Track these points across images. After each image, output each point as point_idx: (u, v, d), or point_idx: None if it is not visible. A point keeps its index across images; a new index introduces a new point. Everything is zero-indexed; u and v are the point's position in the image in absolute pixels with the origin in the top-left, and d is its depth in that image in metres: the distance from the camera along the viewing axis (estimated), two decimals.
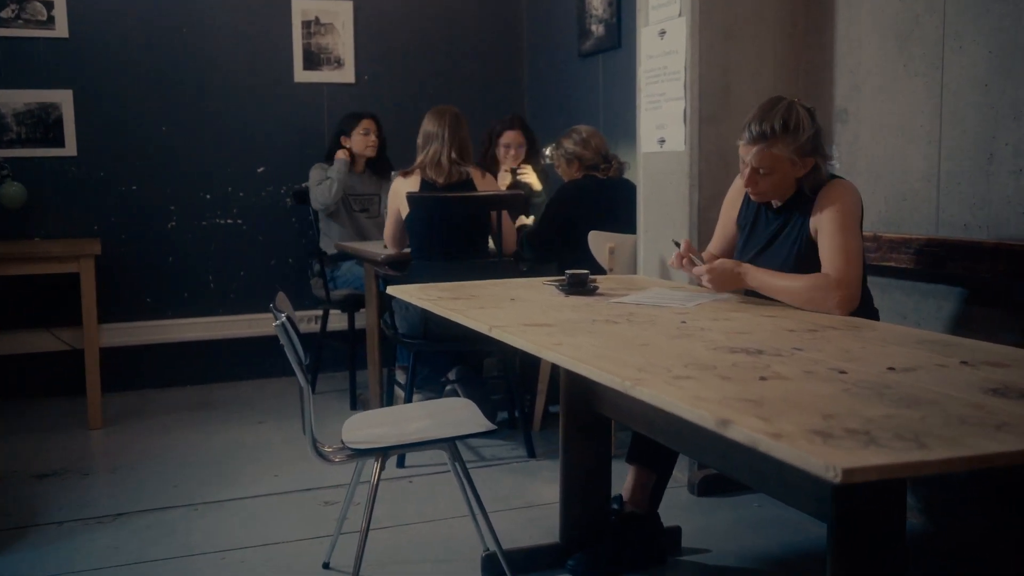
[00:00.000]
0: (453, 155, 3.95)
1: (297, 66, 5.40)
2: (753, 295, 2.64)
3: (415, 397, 4.04)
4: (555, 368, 3.92)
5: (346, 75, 5.50)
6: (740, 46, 3.42)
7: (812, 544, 3.02)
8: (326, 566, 2.85)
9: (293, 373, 2.39)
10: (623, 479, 2.93)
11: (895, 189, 3.16)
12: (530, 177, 4.76)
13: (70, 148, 5.02)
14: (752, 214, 2.74)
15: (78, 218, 5.06)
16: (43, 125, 4.96)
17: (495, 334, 2.21)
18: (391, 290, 2.98)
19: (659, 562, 2.86)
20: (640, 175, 3.74)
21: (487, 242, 4.06)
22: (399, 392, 4.43)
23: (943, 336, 2.13)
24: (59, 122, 4.98)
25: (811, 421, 1.38)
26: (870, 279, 2.80)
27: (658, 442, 2.46)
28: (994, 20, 2.78)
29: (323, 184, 4.86)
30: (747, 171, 2.54)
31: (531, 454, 3.90)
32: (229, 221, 5.35)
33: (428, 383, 4.46)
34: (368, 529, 2.54)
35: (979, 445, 1.25)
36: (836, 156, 3.35)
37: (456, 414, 2.71)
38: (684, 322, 2.28)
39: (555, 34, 5.52)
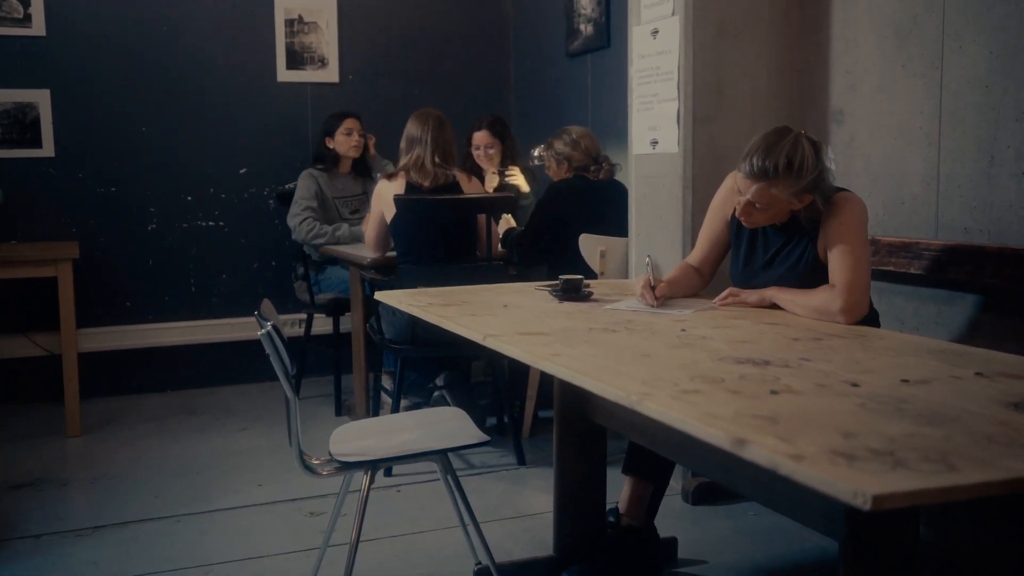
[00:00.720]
0: (437, 159, 3.89)
1: (280, 65, 5.31)
2: None
3: (402, 403, 3.96)
4: (545, 373, 3.85)
5: (330, 75, 5.41)
6: (734, 45, 3.36)
7: (810, 554, 2.96)
8: None
9: (276, 378, 2.30)
10: (617, 487, 2.87)
11: (893, 192, 3.10)
12: (518, 179, 4.70)
13: (47, 149, 4.91)
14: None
15: (56, 220, 4.95)
16: (20, 125, 4.84)
17: (489, 344, 2.14)
18: (379, 295, 2.90)
19: (656, 575, 2.79)
20: (632, 177, 3.67)
21: (475, 245, 3.98)
22: (386, 398, 4.35)
23: (953, 345, 2.07)
24: (36, 122, 4.87)
25: (831, 440, 1.31)
26: None
27: (655, 452, 2.39)
28: (996, 19, 2.73)
29: (315, 230, 4.60)
30: (743, 201, 2.47)
31: (521, 461, 3.82)
32: (211, 223, 5.25)
33: (415, 388, 4.38)
34: (357, 543, 2.45)
35: (1014, 467, 1.19)
36: (832, 159, 3.29)
37: (448, 425, 2.63)
38: (684, 330, 2.21)
39: (543, 33, 5.45)
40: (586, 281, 2.76)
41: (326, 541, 2.74)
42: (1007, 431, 1.36)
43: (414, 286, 3.49)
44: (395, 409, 3.78)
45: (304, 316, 4.95)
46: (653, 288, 2.56)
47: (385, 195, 3.87)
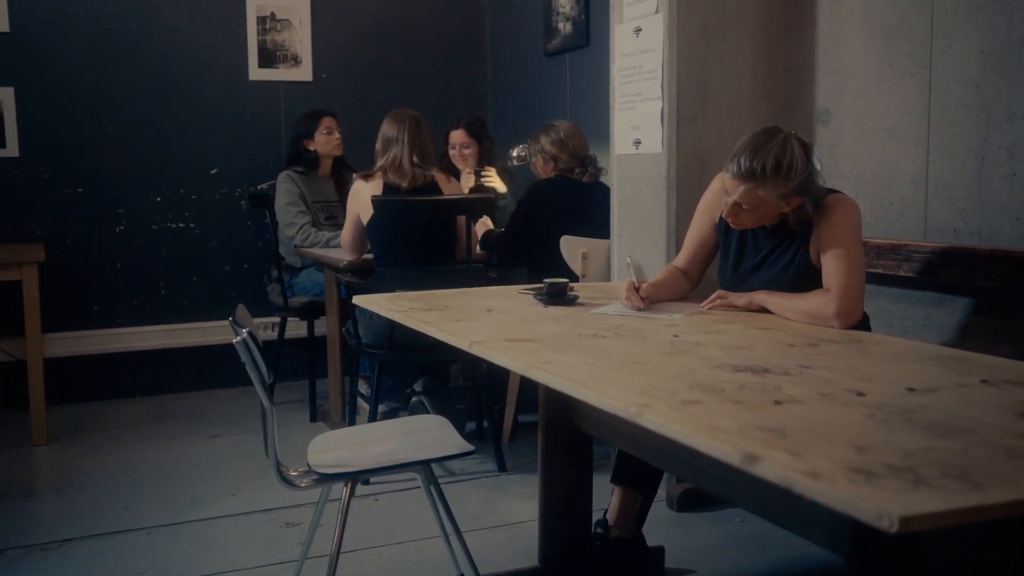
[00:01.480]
0: (415, 159, 3.80)
1: (252, 63, 5.19)
2: None
3: (379, 408, 3.87)
4: (525, 377, 3.78)
5: (303, 73, 5.31)
6: (719, 44, 3.30)
7: (799, 561, 2.91)
8: None
9: (249, 382, 2.21)
10: (601, 494, 2.80)
11: (881, 193, 3.06)
12: (494, 180, 4.62)
13: (11, 149, 4.77)
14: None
15: (21, 222, 4.81)
16: None
17: (476, 351, 2.06)
18: (358, 300, 2.81)
19: None
20: (614, 178, 3.61)
21: (454, 248, 3.90)
22: (362, 404, 4.27)
23: (953, 351, 2.01)
24: (0, 121, 4.72)
25: (845, 455, 1.24)
26: None
27: (644, 460, 2.33)
28: (986, 17, 2.69)
29: (311, 238, 4.46)
30: (730, 202, 2.41)
31: (502, 468, 3.74)
32: (181, 225, 5.13)
33: (392, 393, 4.29)
34: (338, 556, 2.37)
35: None
36: (818, 159, 3.24)
37: (430, 434, 2.55)
38: (676, 336, 2.14)
39: (520, 32, 5.37)
40: (571, 284, 2.69)
41: (304, 554, 2.65)
42: None
43: (392, 289, 3.41)
44: (372, 415, 3.69)
45: (277, 320, 4.84)
46: (638, 290, 2.50)
47: (361, 196, 3.78)
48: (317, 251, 4.34)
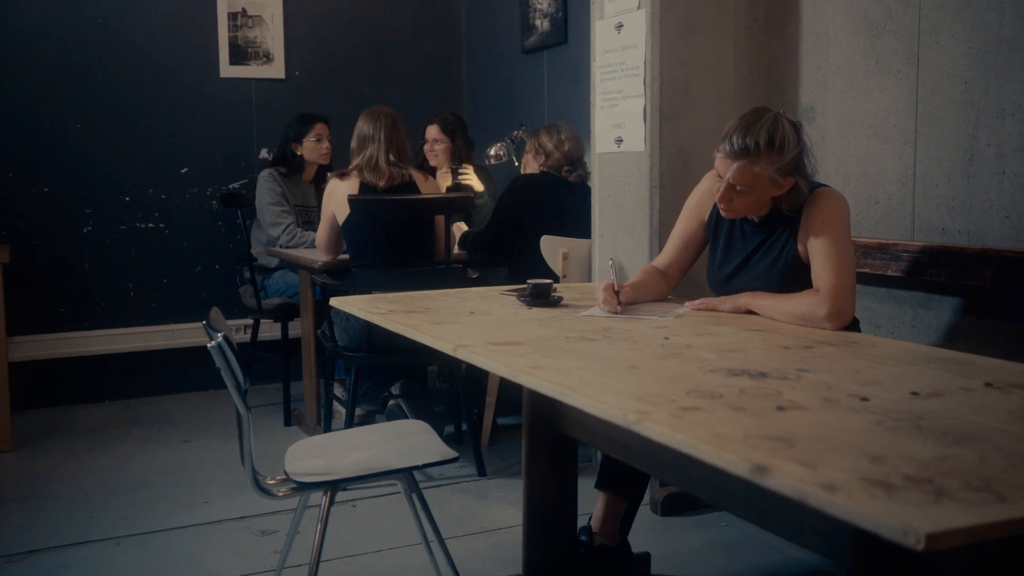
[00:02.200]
0: (391, 157, 3.72)
1: (223, 60, 5.08)
2: None
3: (356, 411, 3.78)
4: (505, 379, 3.71)
5: (276, 70, 5.20)
6: (701, 40, 3.25)
7: (786, 566, 2.86)
8: None
9: (222, 385, 2.12)
10: (585, 499, 2.73)
11: (867, 192, 3.02)
12: (471, 179, 4.55)
13: None
14: (727, 224, 2.54)
15: None
16: None
17: (461, 355, 1.98)
18: (335, 302, 2.72)
19: None
20: (595, 177, 3.55)
21: (433, 248, 3.82)
22: (338, 407, 4.18)
23: (952, 353, 1.96)
24: None
25: (859, 466, 1.18)
26: None
27: (629, 465, 2.26)
28: (975, 13, 2.65)
29: (296, 238, 4.36)
30: (722, 186, 2.35)
31: (482, 472, 3.67)
32: (151, 225, 5.01)
33: (369, 397, 4.21)
34: (317, 566, 2.29)
35: None
36: (807, 136, 3.20)
37: (411, 440, 2.47)
38: (667, 339, 2.08)
39: (496, 29, 5.30)
40: (555, 286, 2.62)
41: (281, 563, 2.56)
42: None
43: (369, 291, 3.33)
44: (349, 419, 3.60)
45: (250, 322, 4.74)
46: (617, 293, 2.42)
47: (337, 195, 3.69)
48: (292, 251, 4.25)
